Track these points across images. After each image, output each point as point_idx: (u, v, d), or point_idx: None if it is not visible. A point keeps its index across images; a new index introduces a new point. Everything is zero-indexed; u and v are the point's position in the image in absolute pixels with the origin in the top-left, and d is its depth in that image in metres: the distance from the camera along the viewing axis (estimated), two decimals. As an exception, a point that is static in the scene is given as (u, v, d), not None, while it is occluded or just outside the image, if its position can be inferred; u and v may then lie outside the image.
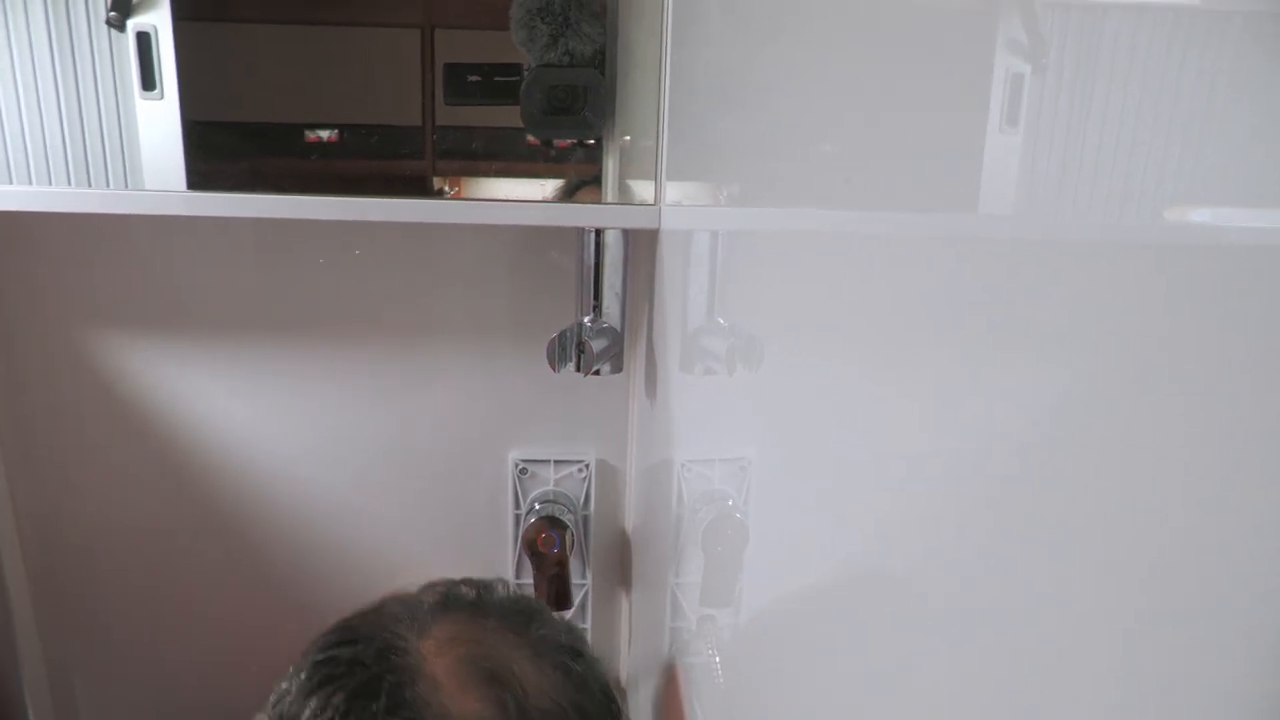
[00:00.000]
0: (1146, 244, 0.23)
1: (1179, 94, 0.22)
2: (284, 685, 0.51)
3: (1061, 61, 0.26)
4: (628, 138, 0.83)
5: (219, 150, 0.82)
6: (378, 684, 0.49)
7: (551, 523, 0.94)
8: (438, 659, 0.52)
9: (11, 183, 0.79)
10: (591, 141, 0.83)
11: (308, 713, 0.49)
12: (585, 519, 0.99)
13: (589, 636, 1.02)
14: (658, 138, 0.82)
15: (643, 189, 0.83)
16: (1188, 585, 0.21)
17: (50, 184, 0.79)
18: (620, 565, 1.03)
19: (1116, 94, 0.24)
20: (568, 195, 0.85)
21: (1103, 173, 0.24)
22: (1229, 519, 0.20)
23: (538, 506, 0.97)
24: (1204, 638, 0.21)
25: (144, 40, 0.78)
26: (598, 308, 0.86)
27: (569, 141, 0.83)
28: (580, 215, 0.84)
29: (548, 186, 0.84)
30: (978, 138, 0.30)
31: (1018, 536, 0.28)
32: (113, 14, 0.77)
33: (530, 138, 0.82)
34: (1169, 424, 0.22)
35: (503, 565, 1.00)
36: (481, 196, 0.84)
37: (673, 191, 0.80)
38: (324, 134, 0.83)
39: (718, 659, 0.72)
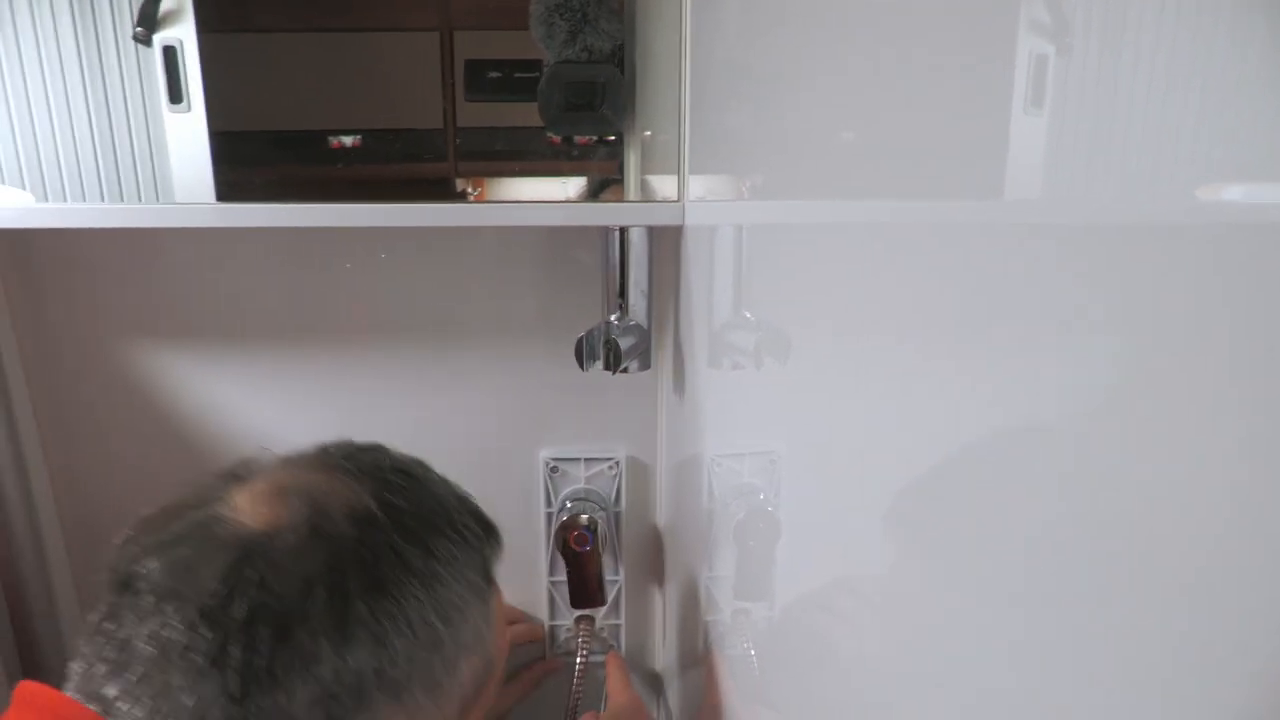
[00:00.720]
0: (1179, 225, 0.23)
1: (1209, 69, 0.21)
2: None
3: (1086, 41, 0.25)
4: (648, 133, 0.83)
5: (246, 160, 0.83)
6: (176, 518, 0.51)
7: (583, 520, 0.94)
8: (243, 492, 0.53)
9: (47, 200, 0.80)
10: (612, 138, 0.83)
11: (118, 553, 0.52)
12: (617, 516, 0.99)
13: (623, 632, 1.03)
14: (679, 133, 0.81)
15: (666, 185, 0.83)
16: (1226, 578, 0.21)
17: (85, 201, 0.81)
18: (653, 561, 1.03)
19: (1144, 71, 0.23)
20: (593, 194, 0.85)
21: (1131, 153, 0.24)
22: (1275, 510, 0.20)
23: (569, 504, 0.97)
24: (1250, 636, 0.20)
25: (170, 54, 0.79)
26: (624, 305, 0.85)
27: (590, 139, 0.83)
28: (604, 214, 0.84)
29: (570, 185, 0.84)
30: (1002, 121, 0.29)
31: (1054, 526, 0.28)
32: (139, 29, 0.79)
33: (551, 136, 0.82)
34: (1205, 411, 0.22)
35: (536, 563, 1.01)
36: (505, 197, 0.85)
37: (696, 187, 0.79)
38: (347, 140, 0.83)
39: (753, 652, 0.72)
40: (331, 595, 0.47)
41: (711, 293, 0.70)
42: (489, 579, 0.59)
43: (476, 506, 0.61)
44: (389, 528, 0.50)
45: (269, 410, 0.96)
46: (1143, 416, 0.24)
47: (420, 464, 0.61)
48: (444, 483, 0.60)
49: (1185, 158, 0.22)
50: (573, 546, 0.94)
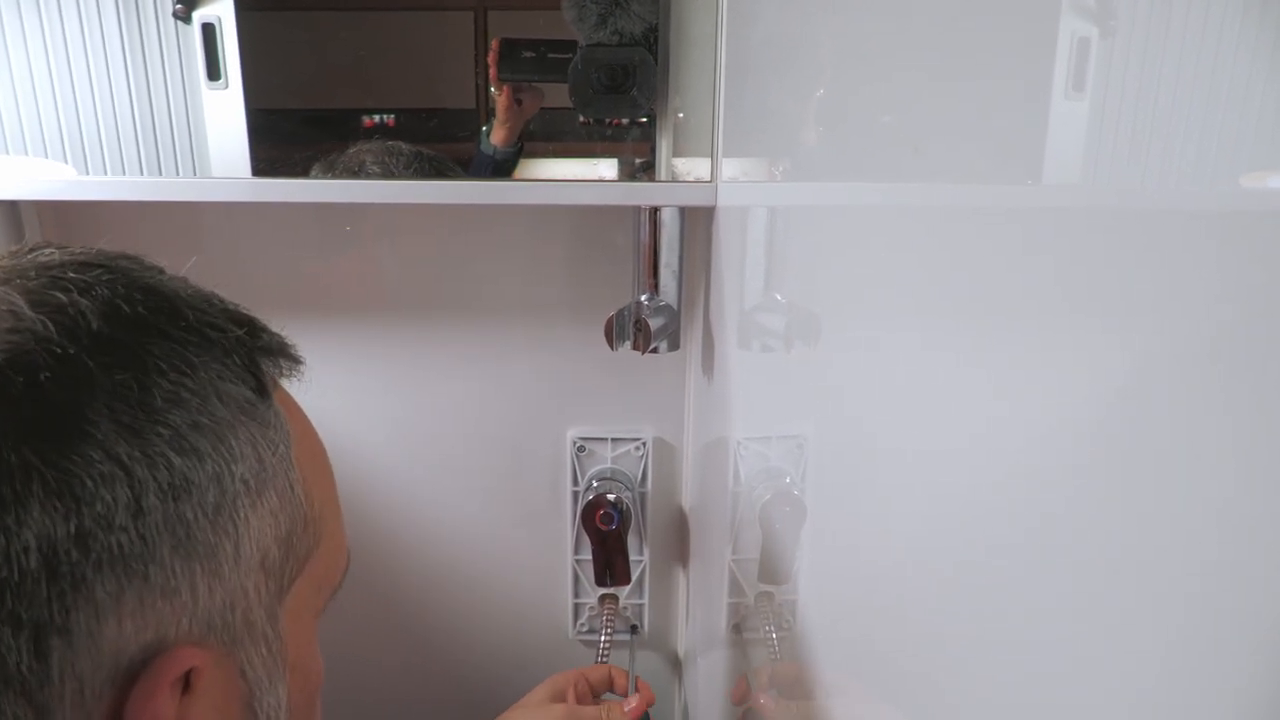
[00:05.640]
0: (1222, 212, 0.23)
1: (1256, 53, 0.21)
2: None
3: (1131, 24, 0.25)
4: (681, 115, 0.83)
5: (282, 136, 0.83)
6: None
7: (609, 500, 0.95)
8: None
9: (88, 174, 0.82)
10: (644, 120, 0.82)
11: None
12: (642, 496, 1.00)
13: (646, 612, 1.04)
14: (714, 114, 0.81)
15: (699, 166, 0.83)
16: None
17: (124, 174, 0.82)
18: (678, 542, 1.04)
19: (1189, 55, 0.23)
20: (628, 175, 0.85)
21: (1175, 139, 0.23)
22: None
23: (595, 484, 0.98)
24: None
25: (209, 31, 0.80)
26: (655, 286, 0.86)
27: (623, 120, 0.83)
28: (636, 194, 0.84)
29: (602, 165, 0.85)
30: (1042, 105, 0.29)
31: (1086, 515, 0.28)
32: (179, 6, 0.79)
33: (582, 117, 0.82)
34: (1250, 399, 0.21)
35: (562, 541, 1.01)
36: (537, 177, 0.85)
37: (729, 168, 0.79)
38: (382, 118, 0.84)
39: (775, 635, 0.72)
40: None
41: (743, 274, 0.70)
42: (263, 391, 0.42)
43: (231, 304, 0.45)
44: (56, 338, 0.34)
45: (299, 386, 0.97)
46: (1184, 405, 0.24)
47: (130, 257, 0.43)
48: (173, 278, 0.44)
49: (1230, 144, 0.22)
50: (598, 525, 0.94)
